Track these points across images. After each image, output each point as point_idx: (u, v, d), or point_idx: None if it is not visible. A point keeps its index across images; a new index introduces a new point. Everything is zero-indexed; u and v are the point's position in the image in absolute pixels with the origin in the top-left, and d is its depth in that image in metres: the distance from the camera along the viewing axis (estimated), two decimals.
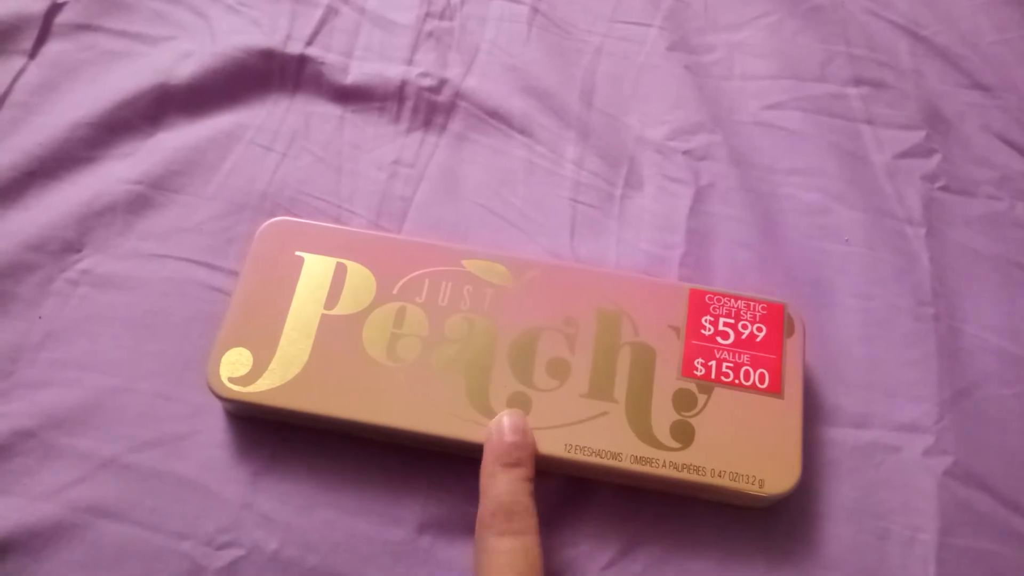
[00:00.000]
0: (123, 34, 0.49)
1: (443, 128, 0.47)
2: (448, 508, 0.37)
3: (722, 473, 0.35)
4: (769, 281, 0.43)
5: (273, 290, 0.39)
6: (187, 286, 0.41)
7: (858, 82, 0.51)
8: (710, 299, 0.39)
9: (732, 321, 0.39)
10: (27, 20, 0.48)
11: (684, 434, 0.36)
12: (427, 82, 0.48)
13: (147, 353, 0.40)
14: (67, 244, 0.42)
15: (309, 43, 0.48)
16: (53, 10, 0.49)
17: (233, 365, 0.37)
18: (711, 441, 0.36)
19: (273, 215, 0.43)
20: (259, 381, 0.36)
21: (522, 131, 0.47)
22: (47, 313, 0.40)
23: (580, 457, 0.36)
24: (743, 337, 0.38)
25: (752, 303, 0.39)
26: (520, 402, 0.36)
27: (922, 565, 0.37)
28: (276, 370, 0.37)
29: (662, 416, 0.36)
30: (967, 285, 0.44)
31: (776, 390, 0.37)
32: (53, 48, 0.48)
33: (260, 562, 0.36)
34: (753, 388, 0.37)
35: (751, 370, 0.38)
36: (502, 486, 0.34)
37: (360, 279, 0.39)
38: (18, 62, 0.47)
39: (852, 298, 0.43)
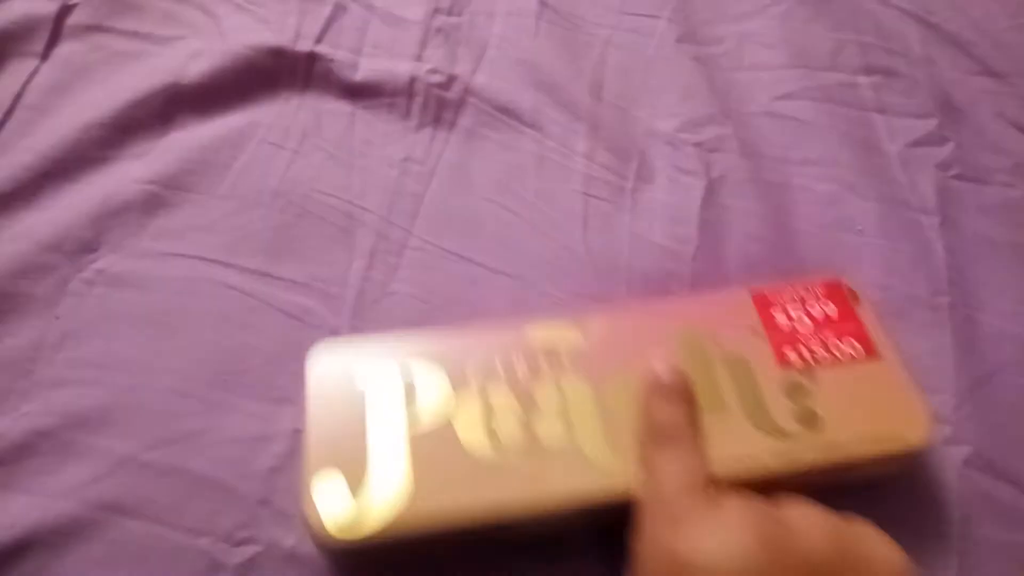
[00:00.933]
0: (134, 34, 0.49)
1: (453, 124, 0.47)
2: None
3: (862, 440, 0.35)
4: (784, 272, 0.43)
5: (345, 418, 0.35)
6: (202, 284, 0.41)
7: (869, 71, 0.50)
8: (772, 295, 0.39)
9: (800, 307, 0.39)
10: (38, 22, 0.48)
11: (810, 419, 0.36)
12: (436, 78, 0.48)
13: (163, 351, 0.40)
14: (83, 244, 0.42)
15: (318, 40, 0.49)
16: (64, 12, 0.49)
17: (332, 509, 0.33)
18: (837, 417, 0.36)
19: (286, 212, 0.44)
20: (368, 519, 0.33)
21: (532, 125, 0.47)
22: (64, 313, 0.40)
23: (722, 469, 0.33)
24: (818, 318, 0.39)
25: (811, 286, 0.40)
26: None
27: (944, 557, 0.37)
28: (380, 503, 0.33)
29: (781, 410, 0.36)
30: (983, 273, 0.44)
31: (872, 353, 0.37)
32: (64, 49, 0.48)
33: (278, 558, 0.36)
34: (851, 359, 0.37)
35: (840, 343, 0.38)
36: (663, 413, 0.34)
37: (431, 377, 0.36)
38: (30, 64, 0.47)
39: (868, 289, 0.43)
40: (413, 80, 0.48)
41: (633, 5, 0.53)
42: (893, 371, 0.37)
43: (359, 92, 0.48)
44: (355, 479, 0.33)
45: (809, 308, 0.39)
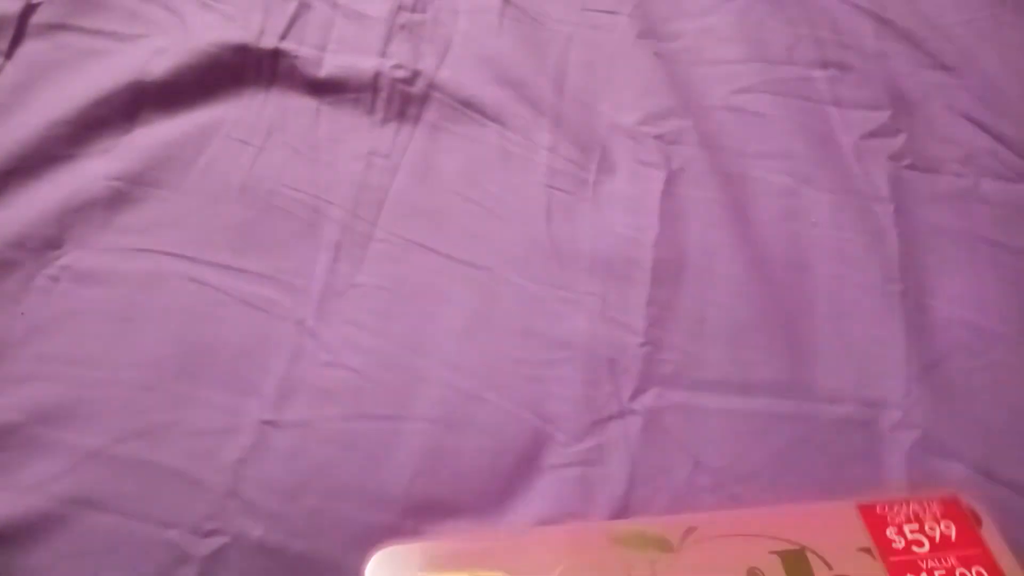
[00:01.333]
0: (98, 33, 0.49)
1: (417, 119, 0.48)
2: (432, 490, 0.38)
3: None
4: (742, 262, 0.44)
5: None
6: (167, 279, 0.42)
7: (825, 64, 0.51)
8: (882, 510, 0.35)
9: (917, 527, 0.34)
10: (2, 21, 0.48)
11: None
12: (400, 74, 0.48)
13: (129, 345, 0.40)
14: (48, 241, 0.42)
15: (283, 37, 0.49)
16: (28, 11, 0.48)
17: None
18: None
19: (251, 207, 0.44)
20: None
21: (496, 120, 0.48)
22: (29, 309, 0.40)
23: None
24: (937, 540, 0.34)
25: (925, 503, 0.35)
26: None
27: None
28: None
29: None
30: (934, 261, 0.45)
31: None
32: (29, 48, 0.48)
33: (246, 549, 0.36)
34: None
35: (967, 573, 0.33)
36: None
37: None
38: None
39: (823, 278, 0.44)
40: (377, 75, 0.48)
41: (594, 2, 0.54)
42: None
43: (324, 88, 0.48)
44: None
45: (927, 528, 0.34)
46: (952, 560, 0.33)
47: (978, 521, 0.35)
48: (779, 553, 0.33)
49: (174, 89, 0.47)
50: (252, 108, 0.47)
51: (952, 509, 0.35)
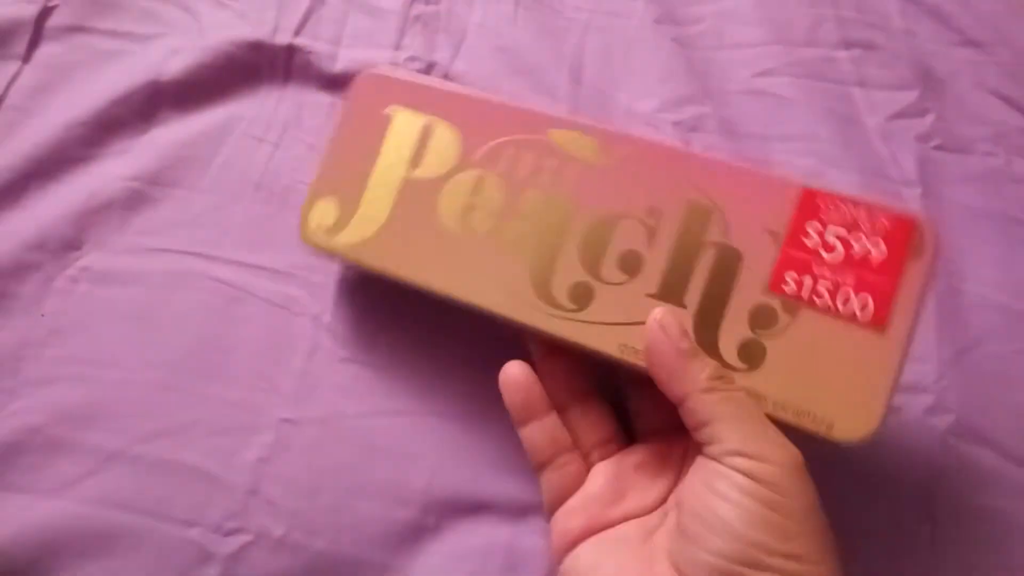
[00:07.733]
0: (113, 34, 0.49)
1: None
2: (452, 486, 0.38)
3: (786, 406, 0.31)
4: None
5: (362, 145, 0.38)
6: (186, 277, 0.42)
7: (848, 44, 0.50)
8: (824, 202, 0.32)
9: (845, 232, 0.32)
10: (19, 24, 0.48)
11: (753, 355, 0.31)
12: (416, 66, 0.48)
13: (149, 345, 0.40)
14: (67, 242, 0.42)
15: (297, 33, 0.49)
16: (44, 13, 0.49)
17: (322, 216, 0.38)
18: (783, 369, 0.31)
19: (268, 204, 0.44)
20: (341, 235, 0.37)
21: None
22: (50, 311, 0.41)
23: (634, 360, 0.32)
24: (854, 253, 0.31)
25: (876, 211, 0.32)
26: (582, 293, 0.34)
27: (920, 524, 0.37)
28: (356, 226, 0.37)
29: (733, 331, 0.32)
30: (965, 243, 0.44)
31: (880, 323, 0.31)
32: (46, 51, 0.48)
33: (268, 547, 0.36)
34: (851, 317, 0.31)
35: (853, 294, 0.31)
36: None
37: (445, 141, 0.37)
38: (12, 66, 0.47)
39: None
40: None
41: None
42: (886, 352, 0.31)
43: (339, 83, 0.48)
44: (347, 203, 0.38)
45: (854, 237, 0.32)
46: (848, 278, 0.31)
47: (918, 253, 0.31)
48: (689, 202, 0.34)
49: (190, 88, 0.47)
50: (268, 105, 0.47)
51: (899, 230, 0.31)
